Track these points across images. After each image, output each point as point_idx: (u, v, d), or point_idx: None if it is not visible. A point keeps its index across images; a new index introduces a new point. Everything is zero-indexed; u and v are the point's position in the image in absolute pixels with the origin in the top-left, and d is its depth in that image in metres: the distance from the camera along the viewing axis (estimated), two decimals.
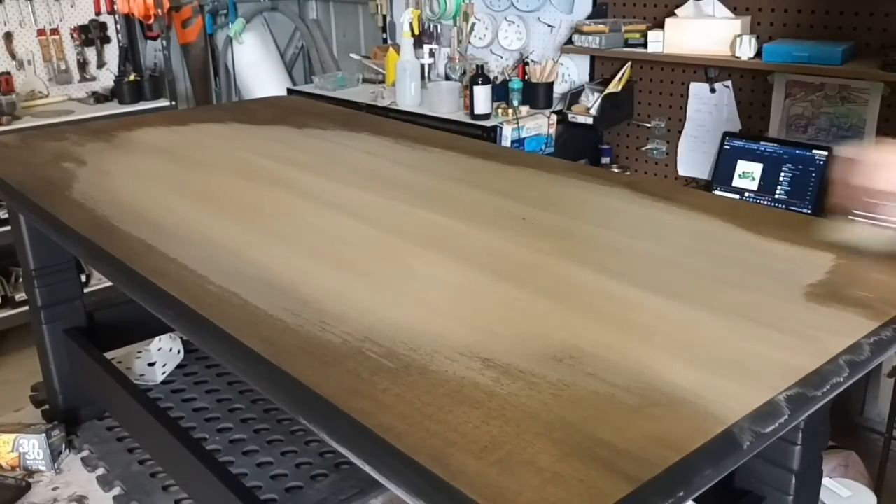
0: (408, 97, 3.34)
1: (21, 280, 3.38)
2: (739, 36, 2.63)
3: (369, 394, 0.63)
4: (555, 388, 0.63)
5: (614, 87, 3.10)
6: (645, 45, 2.91)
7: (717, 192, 2.70)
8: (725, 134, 2.80)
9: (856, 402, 2.80)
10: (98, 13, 4.04)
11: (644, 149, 3.16)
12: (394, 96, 3.41)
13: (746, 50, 2.60)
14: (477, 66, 3.19)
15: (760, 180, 2.68)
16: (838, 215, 0.96)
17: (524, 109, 3.12)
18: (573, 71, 3.37)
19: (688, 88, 3.01)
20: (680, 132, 3.04)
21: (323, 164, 1.27)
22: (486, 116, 3.08)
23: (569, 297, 0.80)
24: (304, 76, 4.76)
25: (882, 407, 2.70)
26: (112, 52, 4.11)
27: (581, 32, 3.06)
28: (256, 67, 4.50)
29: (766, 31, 2.71)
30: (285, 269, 0.87)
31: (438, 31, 3.70)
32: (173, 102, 4.01)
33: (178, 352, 1.60)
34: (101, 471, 1.34)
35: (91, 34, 4.03)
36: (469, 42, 3.60)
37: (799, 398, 0.63)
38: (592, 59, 3.28)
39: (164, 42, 4.13)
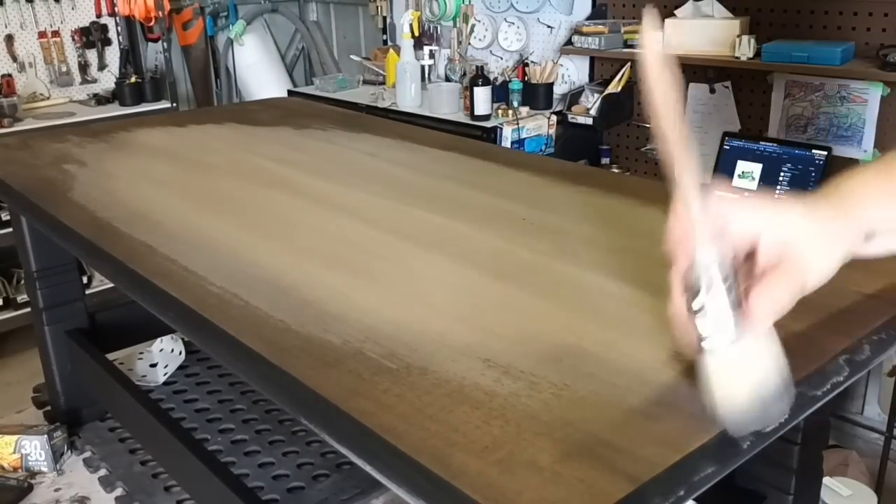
0: (408, 98, 3.34)
1: (23, 282, 3.39)
2: (739, 36, 2.63)
3: (370, 394, 0.63)
4: (555, 387, 0.63)
5: (614, 87, 3.11)
6: None
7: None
8: (725, 134, 2.81)
9: (856, 401, 2.80)
10: (99, 15, 4.05)
11: (644, 149, 3.17)
12: (394, 97, 3.41)
13: (746, 50, 2.61)
14: (477, 67, 3.20)
15: (760, 180, 2.68)
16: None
17: (524, 110, 3.13)
18: (573, 72, 3.37)
19: (687, 89, 3.01)
20: None
21: (323, 166, 1.28)
22: (487, 117, 3.09)
23: (569, 297, 0.80)
24: (304, 78, 4.76)
25: (882, 406, 2.70)
26: (113, 54, 4.12)
27: (581, 33, 3.07)
28: (257, 69, 4.50)
29: (766, 31, 2.71)
30: (286, 269, 0.87)
31: (438, 32, 3.71)
32: (174, 104, 4.02)
33: (180, 353, 1.60)
34: (103, 472, 1.34)
35: (92, 36, 4.04)
36: (469, 43, 3.60)
37: (799, 397, 0.63)
38: (592, 59, 3.29)
39: (165, 44, 4.14)
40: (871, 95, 2.53)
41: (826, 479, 1.39)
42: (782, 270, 0.59)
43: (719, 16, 2.75)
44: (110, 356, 1.44)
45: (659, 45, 0.58)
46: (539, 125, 3.10)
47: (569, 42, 3.15)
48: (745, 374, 0.56)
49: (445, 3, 3.46)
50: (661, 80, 0.59)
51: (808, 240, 0.61)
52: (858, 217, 0.64)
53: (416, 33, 3.61)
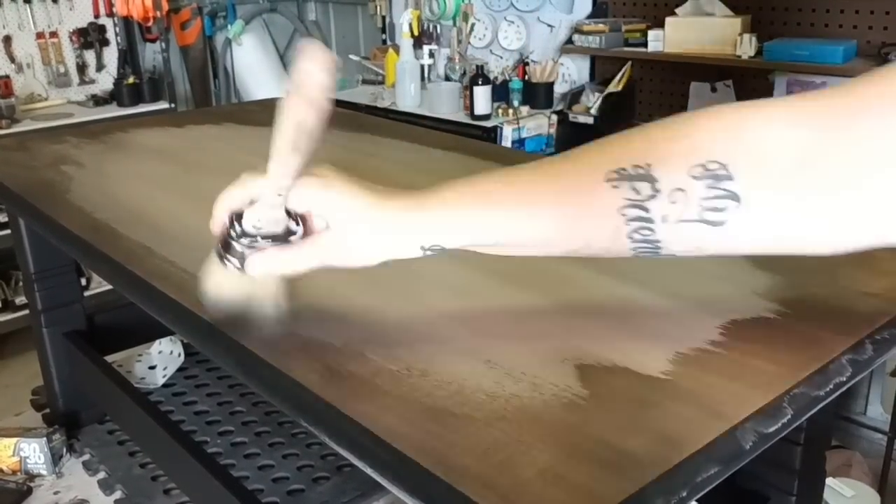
0: (407, 98, 3.34)
1: (21, 284, 3.38)
2: (740, 35, 2.63)
3: (370, 396, 0.63)
4: (556, 388, 0.63)
5: (615, 86, 3.11)
6: (645, 45, 2.91)
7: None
8: None
9: (859, 401, 2.80)
10: (97, 16, 4.04)
11: None
12: (393, 97, 3.41)
13: (747, 49, 2.61)
14: (477, 66, 3.20)
15: None
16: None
17: (524, 110, 3.13)
18: (573, 71, 3.37)
19: (688, 88, 3.01)
20: None
21: (322, 166, 1.27)
22: (487, 117, 3.09)
23: (570, 298, 0.80)
24: None
25: (885, 406, 2.69)
26: (111, 55, 4.12)
27: (581, 32, 3.06)
28: (256, 69, 4.50)
29: (767, 29, 2.71)
30: None
31: (438, 31, 3.70)
32: (172, 105, 4.02)
33: (179, 355, 1.59)
34: (102, 474, 1.34)
35: (90, 37, 4.04)
36: (469, 42, 3.60)
37: (801, 398, 0.62)
38: (593, 58, 3.29)
39: (163, 44, 4.14)
40: None
41: (829, 480, 1.39)
42: (306, 242, 0.68)
43: (720, 14, 2.75)
44: (109, 358, 1.43)
45: (313, 85, 0.67)
46: (539, 124, 3.10)
47: (569, 41, 3.15)
48: (227, 287, 0.73)
49: (445, 2, 3.45)
50: (300, 114, 0.67)
51: (350, 224, 0.67)
52: (426, 227, 0.66)
53: (416, 32, 3.61)
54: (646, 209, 0.58)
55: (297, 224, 0.69)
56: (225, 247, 0.71)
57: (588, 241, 0.63)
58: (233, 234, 0.70)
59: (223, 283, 0.73)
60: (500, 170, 0.68)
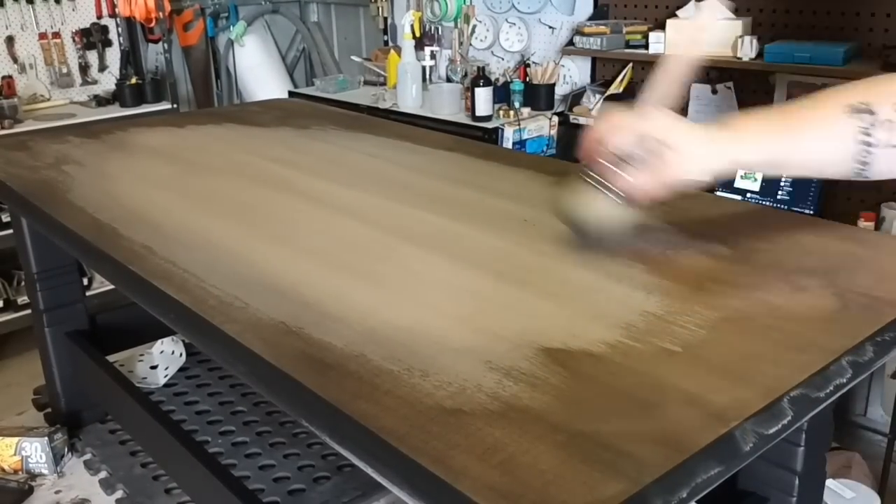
0: (409, 99, 3.34)
1: (23, 283, 3.39)
2: (741, 37, 2.63)
3: (371, 396, 0.63)
4: (557, 389, 0.63)
5: (616, 88, 3.11)
6: (646, 47, 2.91)
7: (718, 194, 2.70)
8: None
9: (859, 403, 2.80)
10: (99, 16, 4.05)
11: None
12: (395, 98, 3.41)
13: (748, 51, 2.61)
14: (478, 67, 3.20)
15: (762, 181, 2.67)
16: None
17: (525, 111, 3.13)
18: (574, 72, 3.37)
19: (689, 89, 3.01)
20: None
21: (324, 167, 1.27)
22: (488, 118, 3.09)
23: (571, 299, 0.80)
24: (305, 79, 4.76)
25: (886, 408, 2.69)
26: (113, 56, 4.12)
27: (582, 34, 3.07)
28: (258, 70, 4.51)
29: (768, 31, 2.71)
30: (287, 271, 0.87)
31: (439, 32, 3.71)
32: (175, 105, 4.02)
33: (181, 355, 1.60)
34: (103, 474, 1.34)
35: (92, 37, 4.04)
36: (470, 44, 3.60)
37: (802, 399, 0.63)
38: (594, 60, 3.29)
39: (166, 45, 4.14)
40: None
41: (829, 482, 1.39)
42: (656, 163, 0.82)
43: (721, 16, 2.75)
44: (111, 358, 1.44)
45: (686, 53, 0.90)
46: (540, 126, 3.10)
47: (570, 42, 3.15)
48: (603, 205, 0.86)
49: (446, 4, 3.46)
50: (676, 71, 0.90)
51: (685, 145, 0.82)
52: (732, 147, 0.83)
53: (417, 34, 3.61)
54: (869, 134, 0.79)
55: (646, 149, 0.82)
56: (605, 176, 0.84)
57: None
58: (612, 157, 0.83)
59: (596, 206, 0.86)
60: (795, 103, 0.87)
